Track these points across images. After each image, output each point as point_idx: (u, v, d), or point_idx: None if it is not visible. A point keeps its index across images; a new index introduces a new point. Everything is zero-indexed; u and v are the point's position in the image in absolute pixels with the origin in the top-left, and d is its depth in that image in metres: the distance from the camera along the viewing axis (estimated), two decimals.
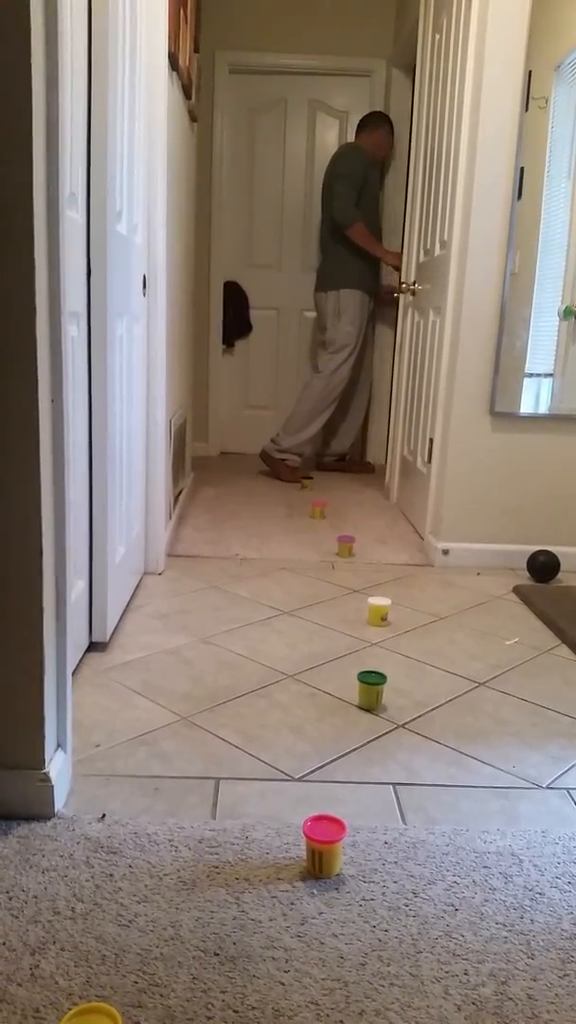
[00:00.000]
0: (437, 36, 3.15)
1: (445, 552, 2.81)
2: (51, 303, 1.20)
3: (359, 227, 3.94)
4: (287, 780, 1.46)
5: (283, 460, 4.11)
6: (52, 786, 1.29)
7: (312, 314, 4.73)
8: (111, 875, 1.18)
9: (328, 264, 4.14)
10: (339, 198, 3.93)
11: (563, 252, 2.62)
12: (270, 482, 4.09)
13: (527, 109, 2.53)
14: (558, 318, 2.69)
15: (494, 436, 2.74)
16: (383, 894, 1.16)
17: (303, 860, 1.23)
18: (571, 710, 1.79)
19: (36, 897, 1.13)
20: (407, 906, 1.14)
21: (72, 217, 1.64)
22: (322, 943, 1.06)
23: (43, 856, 1.21)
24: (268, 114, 4.54)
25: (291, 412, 4.14)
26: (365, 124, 4.14)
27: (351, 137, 4.55)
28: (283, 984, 1.00)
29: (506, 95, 2.52)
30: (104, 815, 1.32)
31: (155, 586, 2.47)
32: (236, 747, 1.57)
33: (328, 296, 4.12)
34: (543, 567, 2.65)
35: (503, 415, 2.72)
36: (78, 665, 1.89)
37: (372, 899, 1.15)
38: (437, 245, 3.02)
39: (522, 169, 2.56)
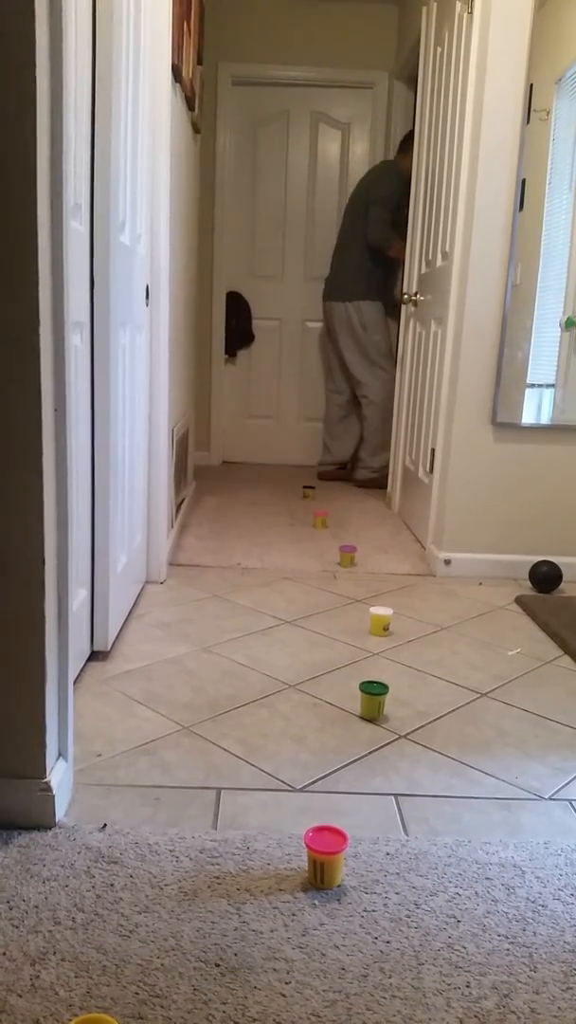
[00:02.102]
0: (439, 49, 3.18)
1: (447, 562, 2.80)
2: (54, 313, 1.21)
3: (399, 245, 3.98)
4: (289, 790, 1.46)
5: (376, 476, 4.26)
6: (53, 795, 1.29)
7: (315, 324, 4.75)
8: (112, 885, 1.17)
9: (352, 275, 4.12)
10: (374, 224, 3.96)
11: (564, 263, 2.63)
12: (272, 491, 4.10)
13: (528, 121, 2.54)
14: (559, 329, 2.69)
15: (496, 446, 2.74)
16: (385, 905, 1.16)
17: (304, 871, 1.22)
18: (573, 721, 1.78)
19: (37, 907, 1.12)
20: (409, 917, 1.14)
21: (76, 228, 1.65)
22: (323, 954, 1.06)
23: (44, 866, 1.20)
24: (271, 125, 4.57)
25: (364, 434, 4.26)
26: (405, 143, 4.09)
27: (353, 148, 4.59)
28: (284, 996, 0.99)
29: (507, 107, 2.53)
30: (105, 825, 1.32)
31: (157, 595, 2.47)
32: (237, 757, 1.56)
33: (349, 307, 4.12)
34: (545, 577, 2.65)
35: (505, 425, 2.73)
36: (79, 674, 1.89)
37: (374, 910, 1.15)
38: (439, 256, 3.03)
39: (523, 181, 2.57)
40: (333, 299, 4.21)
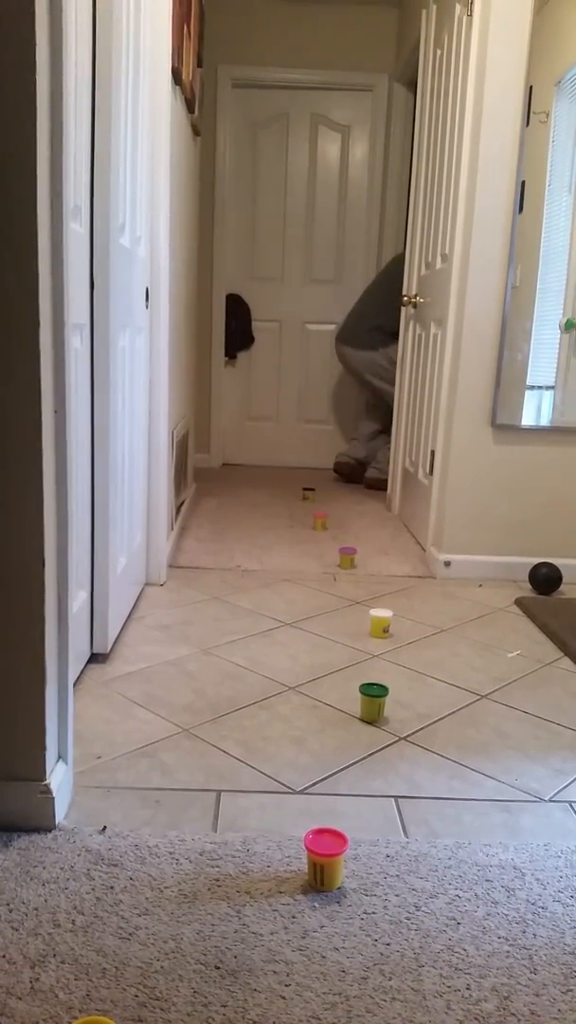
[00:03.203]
0: (439, 51, 3.18)
1: (447, 564, 2.80)
2: (54, 315, 1.21)
3: None
4: (288, 793, 1.46)
5: (385, 479, 4.30)
6: (53, 798, 1.29)
7: (314, 326, 4.75)
8: (112, 887, 1.17)
9: (376, 331, 4.19)
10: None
11: (564, 265, 2.63)
12: (272, 493, 4.10)
13: (528, 124, 2.54)
14: (559, 330, 2.69)
15: (495, 448, 2.74)
16: (385, 908, 1.16)
17: (304, 873, 1.22)
18: (573, 723, 1.78)
19: (36, 909, 1.12)
20: (409, 920, 1.13)
21: (76, 230, 1.65)
22: (323, 957, 1.06)
23: (43, 868, 1.20)
24: (270, 128, 4.58)
25: (383, 446, 4.34)
26: None
27: (352, 151, 4.59)
28: (284, 998, 0.99)
29: (507, 110, 2.54)
30: (105, 827, 1.31)
31: (156, 597, 2.47)
32: (237, 759, 1.56)
33: (376, 355, 4.19)
34: (545, 579, 2.65)
35: (504, 427, 2.73)
36: (79, 676, 1.89)
37: (374, 913, 1.14)
38: (438, 258, 3.03)
39: (523, 183, 2.57)
40: (358, 347, 4.25)
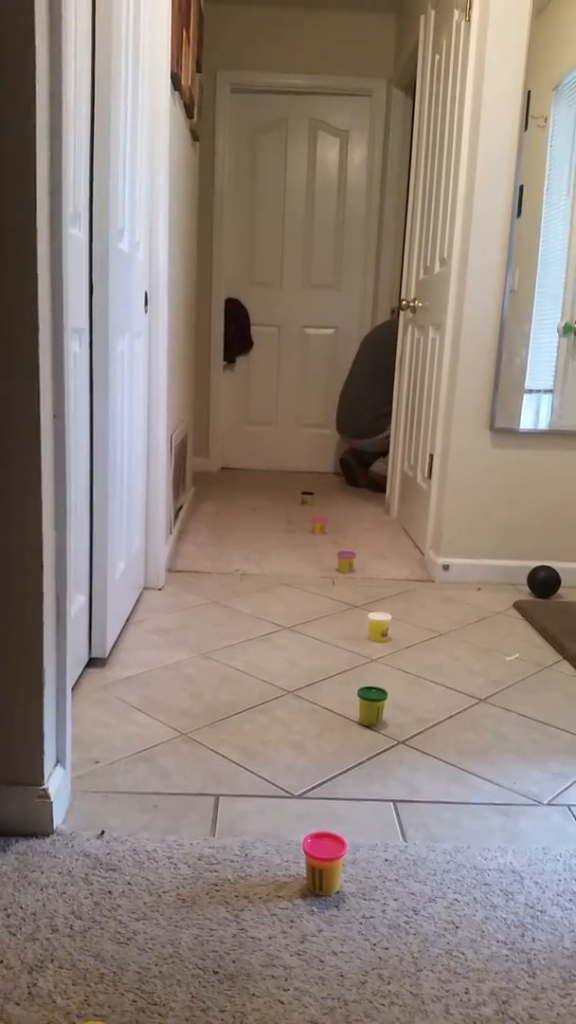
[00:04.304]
0: (437, 56, 3.19)
1: (445, 567, 2.80)
2: (54, 320, 1.21)
3: None
4: (287, 797, 1.46)
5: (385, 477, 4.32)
6: (51, 802, 1.28)
7: (313, 331, 4.76)
8: (110, 892, 1.17)
9: (376, 418, 4.22)
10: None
11: (562, 269, 2.64)
12: (271, 497, 4.10)
13: (526, 128, 2.55)
14: (558, 334, 2.70)
15: (494, 452, 2.75)
16: (383, 912, 1.15)
17: (303, 878, 1.22)
18: (572, 726, 1.78)
19: (34, 914, 1.12)
20: (407, 924, 1.13)
21: (75, 235, 1.66)
22: (322, 961, 1.06)
23: (41, 873, 1.20)
24: (269, 133, 4.59)
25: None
26: None
27: (351, 156, 4.60)
28: (282, 1003, 0.99)
29: (505, 114, 2.54)
30: (103, 832, 1.31)
31: (155, 601, 2.47)
32: (236, 763, 1.56)
33: (381, 437, 4.23)
34: (544, 582, 2.65)
35: (503, 431, 2.73)
36: (78, 680, 1.89)
37: (372, 917, 1.14)
38: (437, 262, 3.04)
39: (521, 187, 2.58)
40: (367, 436, 4.29)
